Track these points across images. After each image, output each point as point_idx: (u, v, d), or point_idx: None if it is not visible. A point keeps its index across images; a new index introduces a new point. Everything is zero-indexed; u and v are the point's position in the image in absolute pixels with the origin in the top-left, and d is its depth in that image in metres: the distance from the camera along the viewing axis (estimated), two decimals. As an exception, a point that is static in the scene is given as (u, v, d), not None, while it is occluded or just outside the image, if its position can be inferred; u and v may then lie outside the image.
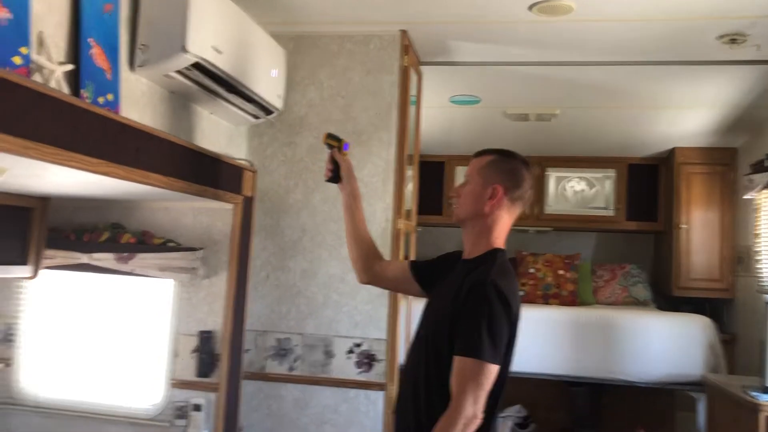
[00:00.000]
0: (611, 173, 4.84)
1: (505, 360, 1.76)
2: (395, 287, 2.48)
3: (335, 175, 2.19)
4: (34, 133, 1.50)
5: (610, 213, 4.80)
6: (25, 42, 1.62)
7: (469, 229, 1.91)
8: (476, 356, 1.67)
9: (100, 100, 1.91)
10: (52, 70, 1.74)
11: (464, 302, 1.73)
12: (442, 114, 4.09)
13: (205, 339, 2.69)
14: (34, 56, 1.68)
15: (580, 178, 4.85)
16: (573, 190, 4.82)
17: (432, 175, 4.82)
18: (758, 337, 3.45)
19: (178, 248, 2.67)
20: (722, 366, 3.65)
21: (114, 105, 1.98)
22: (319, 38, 3.03)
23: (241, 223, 2.64)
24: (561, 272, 4.44)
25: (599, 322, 3.82)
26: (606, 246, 5.11)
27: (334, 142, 2.19)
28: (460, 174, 4.88)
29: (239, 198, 2.61)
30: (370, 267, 2.14)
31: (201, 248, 2.68)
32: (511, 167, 1.88)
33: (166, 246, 2.68)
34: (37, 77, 1.71)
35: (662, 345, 3.70)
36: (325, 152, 2.21)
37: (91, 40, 1.88)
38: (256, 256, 2.92)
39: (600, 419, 4.10)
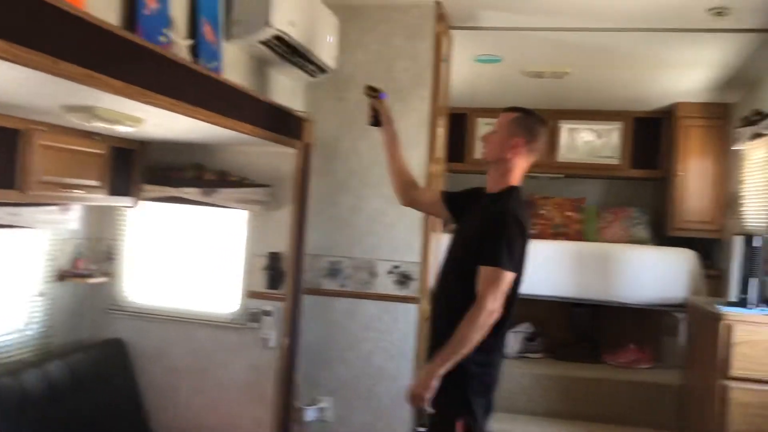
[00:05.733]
0: (618, 125, 5.24)
1: (518, 271, 2.28)
2: (429, 210, 3.01)
3: (376, 119, 2.71)
4: (176, 92, 2.05)
5: (616, 161, 5.22)
6: (167, 24, 2.17)
7: (493, 170, 2.41)
8: (496, 264, 2.18)
9: (209, 66, 2.46)
10: (181, 45, 2.28)
11: (488, 227, 2.26)
12: (467, 71, 4.50)
13: (273, 259, 3.26)
14: (171, 35, 2.23)
15: (590, 129, 5.28)
16: (583, 141, 5.27)
17: (456, 125, 5.25)
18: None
19: (252, 184, 3.22)
20: (703, 291, 4.19)
21: (218, 70, 2.53)
22: (365, 8, 3.52)
23: (302, 165, 3.16)
24: (569, 213, 4.98)
25: (599, 253, 4.40)
26: (612, 191, 5.52)
27: (373, 92, 2.70)
28: (482, 125, 5.30)
29: (301, 144, 3.14)
30: (408, 193, 2.69)
31: (270, 185, 3.24)
32: (531, 124, 2.37)
33: (242, 182, 3.24)
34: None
35: (652, 273, 4.26)
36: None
37: (203, 20, 2.43)
38: (312, 192, 3.47)
39: (597, 336, 4.70)
